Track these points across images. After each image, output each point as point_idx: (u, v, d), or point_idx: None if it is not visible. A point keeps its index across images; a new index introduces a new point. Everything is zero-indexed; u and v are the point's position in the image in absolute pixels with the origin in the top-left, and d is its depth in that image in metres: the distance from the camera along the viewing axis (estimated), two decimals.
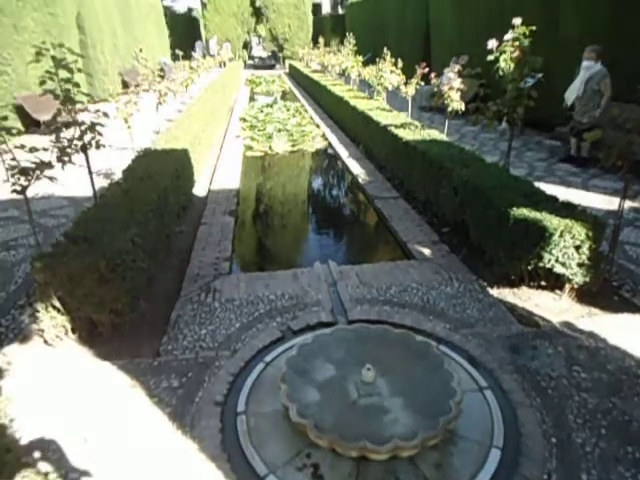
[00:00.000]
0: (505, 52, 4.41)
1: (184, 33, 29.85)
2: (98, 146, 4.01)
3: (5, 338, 3.08)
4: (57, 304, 2.89)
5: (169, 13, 28.29)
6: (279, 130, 9.55)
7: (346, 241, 5.40)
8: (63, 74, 3.77)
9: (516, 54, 4.38)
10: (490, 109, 4.44)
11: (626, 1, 6.59)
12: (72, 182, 5.63)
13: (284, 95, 16.98)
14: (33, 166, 2.86)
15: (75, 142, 3.80)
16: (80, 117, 3.91)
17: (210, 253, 4.22)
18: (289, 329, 3.05)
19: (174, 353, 2.88)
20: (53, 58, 3.67)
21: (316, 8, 32.07)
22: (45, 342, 3.00)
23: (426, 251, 4.20)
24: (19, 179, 2.83)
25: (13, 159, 2.87)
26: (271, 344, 2.88)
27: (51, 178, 2.92)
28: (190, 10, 38.75)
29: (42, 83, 3.87)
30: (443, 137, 5.98)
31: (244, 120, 10.83)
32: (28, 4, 10.40)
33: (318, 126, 10.12)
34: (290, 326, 3.06)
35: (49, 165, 2.89)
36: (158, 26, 23.30)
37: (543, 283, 3.51)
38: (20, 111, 9.46)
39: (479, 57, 9.46)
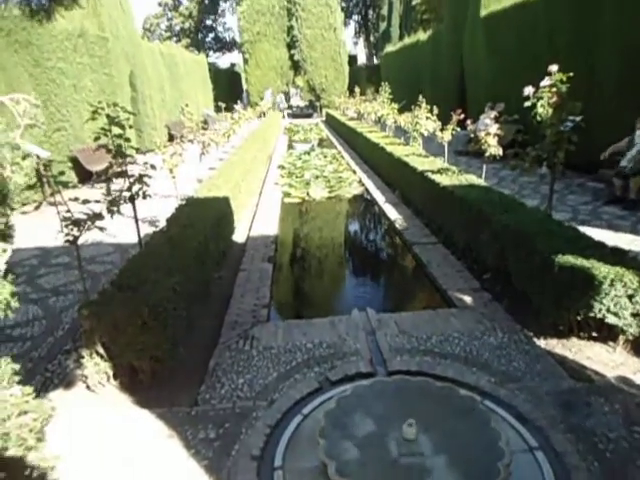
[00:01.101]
0: (542, 98, 4.41)
1: (227, 86, 31.55)
2: (145, 196, 4.21)
3: (50, 383, 3.16)
4: (101, 350, 2.96)
5: (213, 68, 30.05)
6: (316, 177, 9.75)
7: (384, 288, 5.34)
8: (116, 130, 4.04)
9: (554, 100, 4.37)
10: (529, 154, 4.39)
11: None
12: (119, 229, 5.89)
13: (321, 142, 17.44)
14: (85, 217, 3.02)
15: (124, 193, 4.01)
16: (129, 169, 4.15)
17: (249, 300, 4.26)
18: (327, 380, 2.99)
19: (212, 402, 2.87)
20: (108, 116, 3.94)
21: (352, 59, 33.24)
22: (87, 388, 3.06)
23: (467, 299, 4.09)
24: (72, 230, 2.99)
25: (68, 211, 3.05)
26: (309, 395, 2.82)
27: (101, 228, 3.07)
28: (233, 65, 41.15)
29: (97, 139, 4.15)
30: (481, 182, 5.94)
31: (282, 167, 11.15)
32: (87, 67, 11.32)
33: (354, 172, 10.28)
34: (328, 377, 3.00)
35: (99, 216, 3.05)
36: (203, 81, 24.75)
37: (594, 334, 3.33)
38: (75, 163, 10.12)
39: (515, 102, 9.49)
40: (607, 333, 3.28)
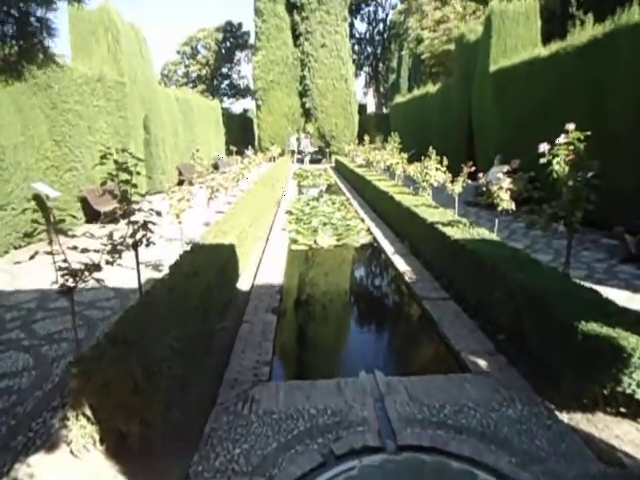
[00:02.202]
0: (558, 155, 4.33)
1: (239, 131, 32.31)
2: (148, 244, 4.10)
3: (32, 445, 2.93)
4: (88, 412, 2.74)
5: (226, 113, 30.88)
6: (324, 224, 9.67)
7: (393, 346, 5.08)
8: (123, 176, 3.98)
9: (570, 157, 4.28)
10: (546, 212, 4.26)
11: None
12: (121, 273, 5.75)
13: (329, 188, 17.55)
14: (82, 267, 2.88)
15: (127, 240, 3.90)
16: (134, 215, 4.05)
17: (250, 355, 4.04)
18: (331, 453, 2.73)
19: (205, 476, 2.61)
20: (116, 162, 3.88)
21: (362, 108, 34.08)
22: (71, 452, 2.82)
23: (481, 362, 3.84)
24: (67, 280, 2.85)
25: (64, 260, 2.92)
26: (311, 471, 2.57)
27: (98, 280, 2.92)
28: (245, 111, 42.33)
29: (103, 183, 4.09)
30: (493, 236, 5.79)
31: (290, 213, 11.11)
32: (104, 109, 11.58)
33: (363, 220, 10.19)
34: (333, 449, 2.75)
35: (97, 267, 2.91)
36: (216, 125, 25.35)
37: (623, 410, 3.07)
38: (84, 202, 10.16)
39: (525, 156, 9.50)
40: (637, 409, 3.03)
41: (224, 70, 53.69)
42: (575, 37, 9.30)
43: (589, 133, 4.08)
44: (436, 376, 3.65)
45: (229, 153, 25.96)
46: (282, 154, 27.96)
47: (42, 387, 3.58)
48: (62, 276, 2.91)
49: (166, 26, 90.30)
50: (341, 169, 21.48)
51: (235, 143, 26.19)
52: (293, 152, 29.57)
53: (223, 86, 54.58)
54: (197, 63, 52.02)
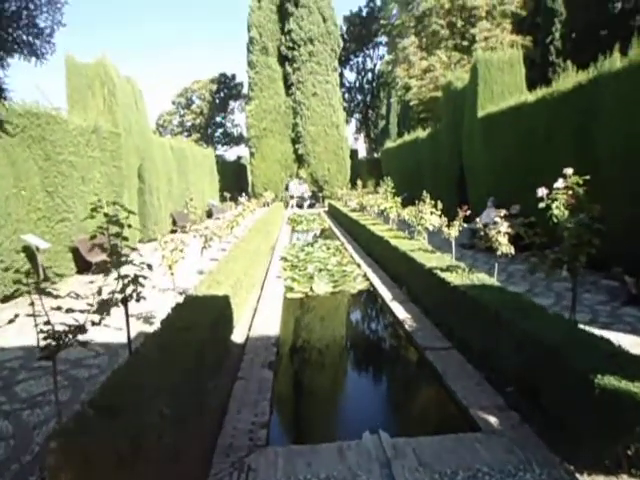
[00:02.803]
0: (557, 199, 4.28)
1: (233, 177, 32.68)
2: (139, 299, 3.92)
3: None
4: None
5: (220, 160, 31.32)
6: (320, 270, 9.53)
7: (397, 402, 4.82)
8: (114, 229, 3.86)
9: (570, 201, 4.24)
10: (548, 257, 4.16)
11: None
12: (110, 327, 5.51)
13: (324, 232, 17.52)
14: (66, 329, 2.70)
15: (116, 295, 3.73)
16: (123, 269, 3.90)
17: (246, 416, 3.79)
18: None
19: None
20: (106, 215, 3.77)
21: (353, 153, 34.74)
22: None
23: (492, 420, 3.62)
24: (49, 345, 2.67)
25: (47, 322, 2.75)
26: None
27: (83, 344, 2.74)
28: (239, 158, 43.00)
29: (93, 237, 3.96)
30: (493, 281, 5.67)
31: (285, 259, 10.98)
32: (98, 160, 11.61)
33: (359, 265, 10.07)
34: None
35: (82, 329, 2.73)
36: (210, 172, 25.62)
37: None
38: (75, 253, 9.99)
39: (515, 197, 9.51)
40: None
41: (218, 119, 55.02)
42: (560, 83, 9.55)
43: (588, 177, 4.05)
44: (445, 436, 3.42)
45: (223, 199, 26.11)
46: (275, 199, 28.15)
47: (20, 459, 3.30)
48: (44, 339, 2.73)
49: (162, 78, 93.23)
50: (335, 213, 21.57)
51: (229, 189, 26.43)
52: (292, 197, 29.64)
53: (217, 134, 55.77)
54: (192, 113, 53.33)
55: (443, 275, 5.92)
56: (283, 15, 28.86)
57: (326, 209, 26.37)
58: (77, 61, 13.03)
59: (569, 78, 9.36)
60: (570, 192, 4.11)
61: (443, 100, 17.50)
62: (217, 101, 53.54)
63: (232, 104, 55.17)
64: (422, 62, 30.89)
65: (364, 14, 47.88)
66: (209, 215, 22.25)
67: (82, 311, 2.97)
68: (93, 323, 2.87)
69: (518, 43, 24.41)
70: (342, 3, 61.78)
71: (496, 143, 11.86)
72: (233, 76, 53.64)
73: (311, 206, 29.05)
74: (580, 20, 25.14)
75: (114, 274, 3.80)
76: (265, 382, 4.45)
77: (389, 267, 9.13)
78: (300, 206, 28.96)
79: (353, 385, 5.24)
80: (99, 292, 3.59)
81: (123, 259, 3.91)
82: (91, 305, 3.10)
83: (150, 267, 4.03)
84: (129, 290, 3.90)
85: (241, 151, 49.87)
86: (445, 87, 16.88)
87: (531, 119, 10.16)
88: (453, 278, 5.71)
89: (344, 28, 45.85)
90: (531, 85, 12.98)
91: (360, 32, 47.65)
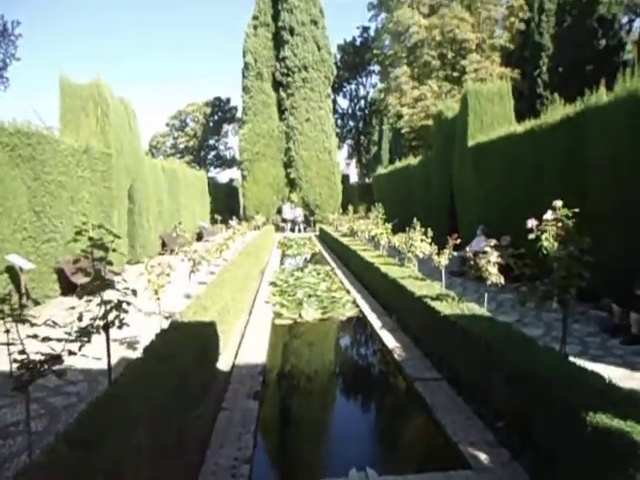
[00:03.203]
0: (547, 231, 4.29)
1: (224, 200, 32.68)
2: (121, 326, 3.81)
3: None
4: None
5: (212, 183, 31.37)
6: (309, 296, 9.43)
7: (385, 436, 4.68)
8: (99, 253, 3.78)
9: (559, 233, 4.24)
10: (539, 288, 4.14)
11: None
12: (91, 352, 5.35)
13: (314, 257, 17.47)
14: (42, 358, 2.59)
15: (97, 322, 3.62)
16: (107, 295, 3.81)
17: (228, 450, 3.65)
18: None
19: None
20: (90, 239, 3.70)
21: (345, 178, 35.02)
22: None
23: (482, 456, 3.52)
24: (23, 375, 2.55)
25: (22, 352, 2.63)
26: None
27: (59, 374, 2.63)
28: (231, 180, 43.14)
29: (76, 261, 3.87)
30: (483, 311, 5.63)
31: (274, 284, 10.87)
32: (88, 180, 11.54)
33: (348, 292, 9.99)
34: None
35: (57, 359, 2.62)
36: (201, 194, 25.60)
37: None
38: (60, 274, 9.81)
39: (504, 226, 9.55)
40: None
41: (211, 142, 55.37)
42: (548, 115, 9.75)
43: (577, 210, 4.07)
44: (434, 474, 3.31)
45: (214, 222, 26.04)
46: (267, 223, 28.12)
47: None
48: (17, 369, 2.61)
49: (157, 99, 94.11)
50: (325, 238, 21.57)
51: (221, 212, 26.38)
52: (285, 220, 29.36)
53: (210, 157, 56.04)
54: (185, 135, 53.67)
55: (433, 304, 5.87)
56: (278, 42, 29.41)
57: (317, 233, 26.38)
58: (72, 82, 13.06)
59: (557, 111, 9.56)
60: (559, 224, 4.12)
61: (434, 129, 17.79)
62: (211, 124, 54.00)
63: (226, 127, 55.67)
64: (414, 91, 31.58)
65: (358, 44, 49.02)
66: (199, 237, 22.13)
67: (59, 340, 2.86)
68: (70, 353, 2.76)
69: (507, 75, 25.05)
70: (336, 32, 63.31)
71: (486, 172, 12.01)
72: (228, 100, 54.28)
73: (304, 230, 29.01)
74: (567, 55, 25.95)
75: (97, 300, 3.70)
76: (250, 413, 4.31)
77: (379, 294, 9.07)
78: (293, 230, 28.86)
79: (340, 417, 5.10)
80: (80, 318, 3.49)
81: (106, 284, 3.82)
82: (69, 334, 2.99)
83: (134, 293, 3.93)
84: (111, 316, 3.79)
85: (233, 174, 50.07)
86: (436, 116, 17.17)
87: (520, 150, 10.32)
88: (443, 307, 5.67)
89: (338, 56, 46.81)
90: (520, 116, 13.25)
91: (354, 61, 48.69)
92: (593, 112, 8.11)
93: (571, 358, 4.24)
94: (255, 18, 29.88)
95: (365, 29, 47.90)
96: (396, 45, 33.72)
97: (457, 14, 30.07)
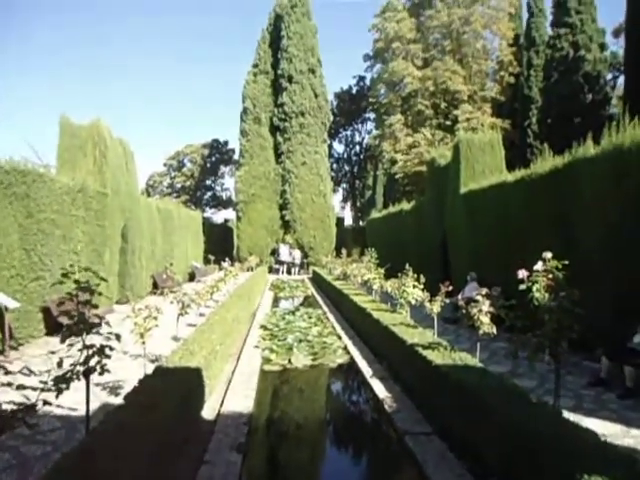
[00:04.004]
0: (537, 282, 4.28)
1: (219, 240, 32.67)
2: (102, 372, 3.70)
3: None
4: None
5: (207, 223, 31.47)
6: (300, 341, 9.27)
7: None
8: (84, 296, 3.71)
9: (549, 284, 4.24)
10: (531, 341, 4.09)
11: None
12: (71, 396, 5.17)
13: (307, 299, 17.31)
14: (14, 408, 2.48)
15: (78, 368, 3.51)
16: (90, 338, 3.71)
17: None
18: None
19: None
20: (76, 282, 3.64)
21: (339, 221, 35.30)
22: None
23: None
24: None
25: None
26: None
27: (31, 426, 2.51)
28: (226, 221, 43.32)
29: (61, 303, 3.79)
30: (476, 362, 5.53)
31: (265, 328, 10.70)
32: (81, 219, 11.52)
33: (340, 337, 9.84)
34: None
35: (31, 409, 2.51)
36: (195, 235, 25.60)
37: None
38: (46, 313, 9.60)
39: (495, 275, 9.54)
40: None
41: (208, 182, 56.00)
42: (538, 165, 9.95)
43: (567, 262, 4.08)
44: None
45: (207, 262, 25.93)
46: (260, 264, 28.03)
47: None
48: None
49: (156, 140, 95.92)
50: (318, 281, 21.47)
51: (214, 252, 26.33)
52: (280, 262, 28.96)
53: (206, 197, 56.51)
54: (182, 175, 54.33)
55: (425, 353, 5.77)
56: (277, 89, 30.35)
57: (310, 276, 26.29)
58: (72, 122, 13.28)
59: (546, 161, 9.77)
60: (550, 275, 4.12)
61: (427, 175, 18.12)
62: (208, 165, 54.80)
63: (223, 169, 56.48)
64: (407, 138, 32.42)
65: (354, 92, 50.66)
66: (192, 277, 21.97)
67: (34, 389, 2.75)
68: (45, 402, 2.65)
69: (498, 125, 25.86)
70: (333, 81, 65.65)
71: (478, 220, 12.14)
72: (225, 142, 55.35)
73: (298, 272, 28.83)
74: (555, 108, 26.89)
75: (79, 344, 3.60)
76: (232, 467, 4.12)
77: (371, 340, 8.93)
78: (289, 272, 28.61)
79: (327, 472, 4.88)
80: (59, 364, 3.38)
81: (90, 328, 3.73)
82: (45, 383, 2.89)
83: (118, 337, 3.84)
84: (93, 362, 3.69)
85: (229, 214, 50.36)
86: (429, 163, 17.53)
87: (511, 198, 10.48)
88: (435, 357, 5.57)
89: (334, 103, 48.22)
90: (511, 164, 13.56)
91: (350, 108, 50.14)
92: (581, 164, 8.30)
93: (565, 412, 4.15)
94: (255, 66, 30.99)
95: (361, 78, 49.68)
96: (391, 94, 34.89)
97: (449, 67, 31.34)
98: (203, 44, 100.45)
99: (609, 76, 31.68)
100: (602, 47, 28.26)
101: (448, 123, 32.15)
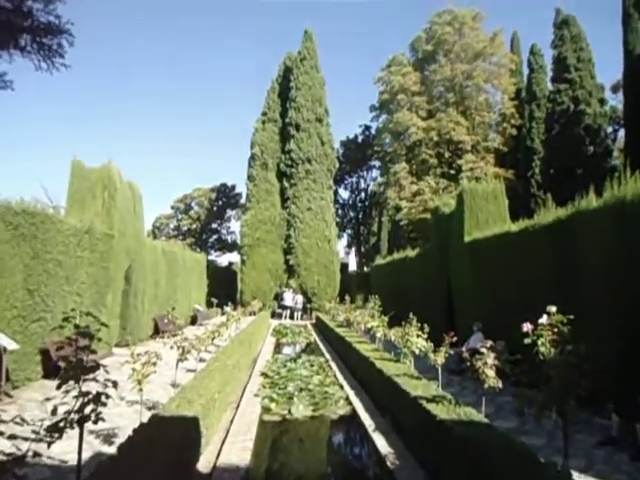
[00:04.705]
0: (542, 336, 4.21)
1: (222, 283, 32.60)
2: (97, 420, 3.61)
3: None
4: None
5: (212, 265, 31.50)
6: (300, 389, 9.04)
7: None
8: (83, 342, 3.68)
9: (554, 338, 4.17)
10: (537, 399, 3.97)
11: None
12: (66, 443, 5.01)
13: (309, 346, 17.04)
14: (2, 459, 2.41)
15: (72, 416, 3.44)
16: (87, 384, 3.65)
17: None
18: None
19: None
20: (76, 326, 3.63)
21: (344, 266, 35.26)
22: None
23: None
24: None
25: None
26: None
27: (19, 478, 2.42)
28: (231, 264, 43.34)
29: (59, 348, 3.77)
30: (481, 417, 5.35)
31: (265, 375, 10.48)
32: (86, 260, 11.58)
33: (342, 387, 9.60)
34: None
35: (20, 461, 2.44)
36: (199, 278, 25.58)
37: None
38: (45, 355, 9.48)
39: (501, 325, 9.43)
40: None
41: (214, 225, 56.53)
42: (541, 216, 10.02)
43: (572, 317, 4.03)
44: None
45: (210, 305, 25.78)
46: (263, 309, 27.80)
47: None
48: None
49: (165, 181, 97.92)
50: (321, 327, 21.20)
51: (218, 295, 26.24)
52: (284, 307, 28.62)
53: (212, 240, 56.88)
54: (189, 218, 54.96)
55: (429, 406, 5.60)
56: (285, 136, 31.18)
57: (313, 322, 25.98)
58: (83, 165, 13.60)
59: (549, 212, 9.85)
60: (555, 329, 4.06)
61: (432, 223, 18.25)
62: (215, 208, 55.48)
63: (229, 212, 57.12)
64: (412, 186, 32.93)
65: (359, 140, 51.91)
66: (193, 321, 21.79)
67: (26, 439, 2.68)
68: (35, 454, 2.57)
69: (501, 175, 26.23)
70: (340, 129, 67.54)
71: (482, 269, 12.10)
72: (233, 186, 56.26)
73: (301, 317, 28.50)
74: (557, 159, 27.35)
75: (74, 391, 3.54)
76: None
77: (373, 390, 8.71)
78: (292, 317, 28.25)
79: None
80: (54, 412, 3.31)
81: (88, 372, 3.68)
82: (37, 433, 2.82)
83: (115, 385, 3.77)
84: (88, 409, 3.60)
85: (233, 257, 50.46)
86: (434, 211, 17.71)
87: (515, 248, 10.49)
88: (439, 411, 5.40)
89: (341, 151, 49.32)
90: (515, 214, 13.65)
91: (355, 155, 51.23)
92: (584, 216, 8.35)
93: (575, 474, 3.98)
94: (264, 114, 32.02)
95: (367, 127, 51.01)
96: (396, 143, 35.74)
97: (453, 118, 32.24)
98: (215, 91, 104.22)
99: (609, 129, 32.43)
100: (602, 102, 29.10)
101: (452, 172, 32.72)
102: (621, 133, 32.58)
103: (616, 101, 34.82)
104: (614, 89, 34.31)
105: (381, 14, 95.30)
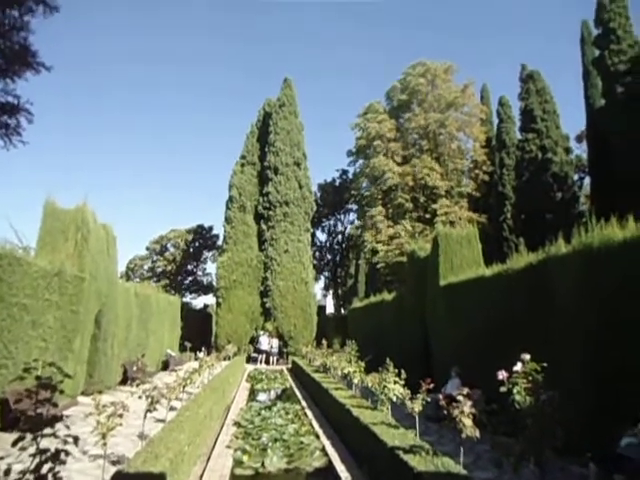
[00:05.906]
0: (517, 384, 4.20)
1: (196, 326, 31.83)
2: None
3: None
4: None
5: (186, 308, 30.82)
6: (275, 440, 8.70)
7: None
8: (44, 394, 3.49)
9: (529, 386, 4.16)
10: (514, 449, 3.92)
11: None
12: None
13: (285, 392, 16.58)
14: None
15: (27, 476, 3.21)
16: (43, 444, 3.43)
17: None
18: None
19: None
20: (37, 378, 3.45)
21: (321, 309, 34.92)
22: None
23: None
24: None
25: None
26: None
27: None
28: (206, 306, 42.52)
29: (18, 401, 3.56)
30: (459, 469, 5.22)
31: (239, 425, 10.08)
32: (55, 304, 11.18)
33: (318, 436, 9.28)
34: None
35: None
36: (173, 321, 24.92)
37: None
38: (3, 405, 8.94)
39: (477, 369, 9.41)
40: None
41: (190, 267, 55.69)
42: (514, 261, 10.24)
43: (545, 364, 4.04)
44: None
45: (183, 349, 25.03)
46: (238, 353, 27.11)
47: None
48: None
49: (141, 223, 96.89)
50: (298, 372, 20.73)
51: (192, 338, 25.51)
52: (259, 351, 27.85)
53: (187, 281, 55.88)
54: (164, 259, 54.08)
55: (406, 458, 5.46)
56: (263, 179, 31.52)
57: (289, 366, 25.41)
58: (56, 206, 13.32)
59: (522, 258, 10.08)
60: (529, 377, 4.06)
61: (407, 267, 18.39)
62: (191, 250, 54.84)
63: (205, 254, 56.49)
64: (388, 229, 33.41)
65: (337, 184, 52.77)
66: (165, 366, 21.04)
67: None
68: None
69: (474, 220, 26.91)
70: (317, 173, 68.79)
71: (457, 312, 12.17)
72: (210, 228, 55.89)
73: (277, 362, 27.78)
74: (527, 205, 28.33)
75: (31, 449, 3.32)
76: None
77: (350, 440, 8.46)
78: (268, 362, 27.47)
79: None
80: (7, 472, 3.09)
81: (47, 426, 3.47)
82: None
83: (76, 441, 3.55)
84: (45, 469, 3.37)
85: (209, 300, 49.57)
86: (409, 255, 17.89)
87: (489, 292, 10.63)
88: (416, 462, 5.26)
89: (318, 194, 49.89)
90: (488, 256, 13.92)
91: (333, 199, 51.87)
92: (554, 261, 8.57)
93: None
94: (243, 157, 32.45)
95: (344, 172, 51.95)
96: (372, 187, 36.48)
97: (427, 164, 33.26)
98: (193, 135, 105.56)
99: (576, 177, 33.90)
100: (567, 151, 30.55)
101: (427, 216, 33.42)
102: (587, 181, 34.11)
103: (580, 150, 36.64)
104: (578, 139, 36.14)
105: (357, 65, 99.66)
